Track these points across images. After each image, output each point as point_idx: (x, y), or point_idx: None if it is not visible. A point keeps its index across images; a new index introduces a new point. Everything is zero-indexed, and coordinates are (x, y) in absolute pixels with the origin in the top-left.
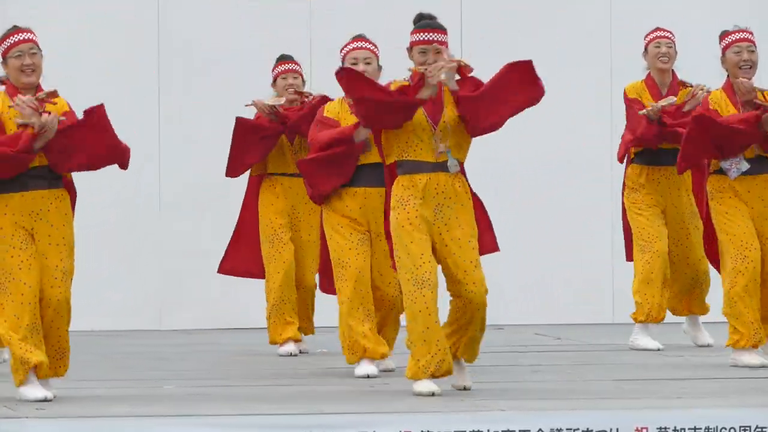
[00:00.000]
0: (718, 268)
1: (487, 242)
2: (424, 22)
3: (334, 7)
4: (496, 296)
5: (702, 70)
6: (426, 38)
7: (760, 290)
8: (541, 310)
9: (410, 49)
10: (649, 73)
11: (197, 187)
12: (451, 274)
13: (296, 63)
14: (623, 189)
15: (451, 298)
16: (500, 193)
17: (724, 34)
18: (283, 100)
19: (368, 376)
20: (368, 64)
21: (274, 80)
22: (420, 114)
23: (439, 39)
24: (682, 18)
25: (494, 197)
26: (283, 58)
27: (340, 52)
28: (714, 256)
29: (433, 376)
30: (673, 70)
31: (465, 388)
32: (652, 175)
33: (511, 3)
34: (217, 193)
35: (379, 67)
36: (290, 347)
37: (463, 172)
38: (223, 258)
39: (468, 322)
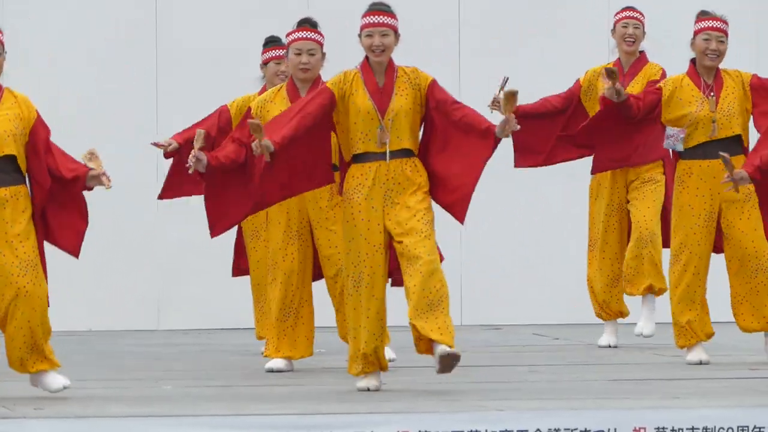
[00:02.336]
0: None
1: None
2: (372, 5)
3: (332, 7)
4: (494, 296)
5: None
6: (371, 21)
7: (743, 272)
8: (540, 310)
9: (360, 34)
10: (618, 58)
11: None
12: (401, 253)
13: (285, 47)
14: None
15: (406, 286)
16: (498, 193)
17: (699, 17)
18: None
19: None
20: (312, 55)
21: (265, 64)
22: (366, 104)
23: (385, 21)
24: (678, 13)
25: (493, 197)
26: (273, 42)
27: (286, 37)
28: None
29: (363, 373)
30: (643, 51)
31: (449, 354)
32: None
33: (509, 2)
34: None
35: (323, 55)
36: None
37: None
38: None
39: (425, 293)
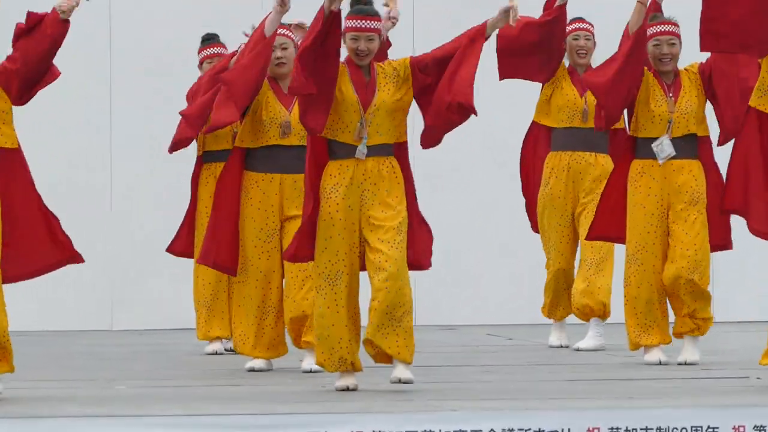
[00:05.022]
0: None
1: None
2: (357, 8)
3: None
4: (449, 296)
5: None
6: (357, 25)
7: (685, 283)
8: (494, 311)
9: (344, 35)
10: (570, 64)
11: (149, 185)
12: (368, 256)
13: (222, 45)
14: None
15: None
16: (453, 192)
17: (649, 23)
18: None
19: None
20: (285, 49)
21: (201, 63)
22: (351, 96)
23: (371, 26)
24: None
25: (445, 199)
26: (208, 41)
27: None
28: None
29: (336, 371)
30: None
31: (400, 381)
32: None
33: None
34: (169, 191)
35: (296, 50)
36: (217, 346)
37: (398, 153)
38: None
39: (384, 308)
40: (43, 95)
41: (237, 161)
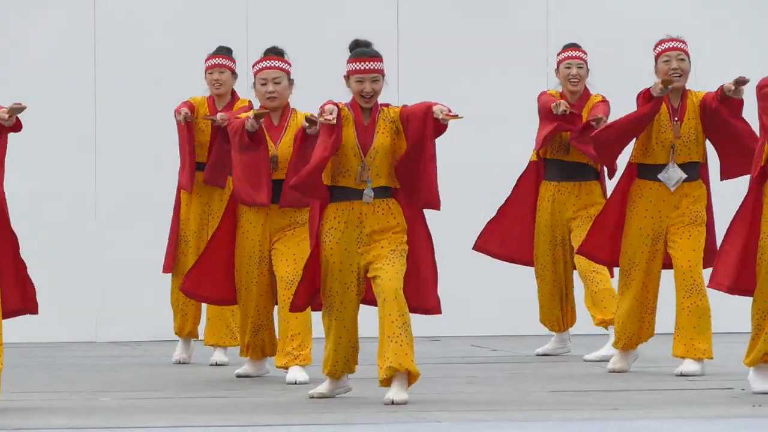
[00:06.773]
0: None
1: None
2: (360, 50)
3: (271, 7)
4: None
5: (638, 74)
6: (362, 67)
7: (679, 292)
8: (477, 322)
9: (347, 78)
10: (562, 92)
11: (134, 196)
12: (372, 279)
13: (227, 57)
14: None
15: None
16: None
17: (657, 44)
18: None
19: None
20: (277, 83)
21: (207, 71)
22: (352, 139)
23: (375, 67)
24: (620, 24)
25: (429, 211)
26: (216, 52)
27: (252, 67)
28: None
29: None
30: (585, 86)
31: (393, 402)
32: None
33: (448, 12)
34: (155, 202)
35: (291, 82)
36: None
37: (397, 195)
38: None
39: (384, 318)
40: (28, 100)
41: (233, 204)
